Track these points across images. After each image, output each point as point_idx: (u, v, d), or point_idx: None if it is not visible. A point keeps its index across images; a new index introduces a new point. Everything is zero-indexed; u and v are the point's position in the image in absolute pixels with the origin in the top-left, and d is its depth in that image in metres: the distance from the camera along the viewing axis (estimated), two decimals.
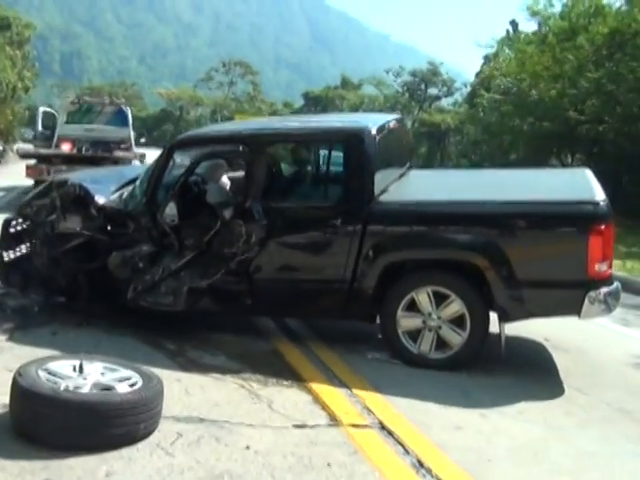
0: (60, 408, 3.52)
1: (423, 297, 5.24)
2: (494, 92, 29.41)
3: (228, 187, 6.44)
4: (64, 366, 3.99)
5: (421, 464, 3.71)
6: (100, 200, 6.07)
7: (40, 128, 17.50)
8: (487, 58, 50.73)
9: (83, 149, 15.82)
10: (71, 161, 14.65)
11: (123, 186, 6.47)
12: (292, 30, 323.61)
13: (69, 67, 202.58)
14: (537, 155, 26.83)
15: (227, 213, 5.71)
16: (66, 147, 15.99)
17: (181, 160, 6.09)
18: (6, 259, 6.56)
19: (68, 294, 6.23)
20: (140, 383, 3.86)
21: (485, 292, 5.17)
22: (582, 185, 5.48)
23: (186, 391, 4.55)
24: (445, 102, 66.85)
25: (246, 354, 5.43)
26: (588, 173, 5.95)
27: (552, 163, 29.99)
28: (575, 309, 5.04)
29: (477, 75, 53.18)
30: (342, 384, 4.87)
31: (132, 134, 17.60)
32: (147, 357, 5.10)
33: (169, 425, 3.94)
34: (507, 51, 40.22)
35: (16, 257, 6.58)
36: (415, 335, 5.33)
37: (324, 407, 4.43)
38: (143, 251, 5.77)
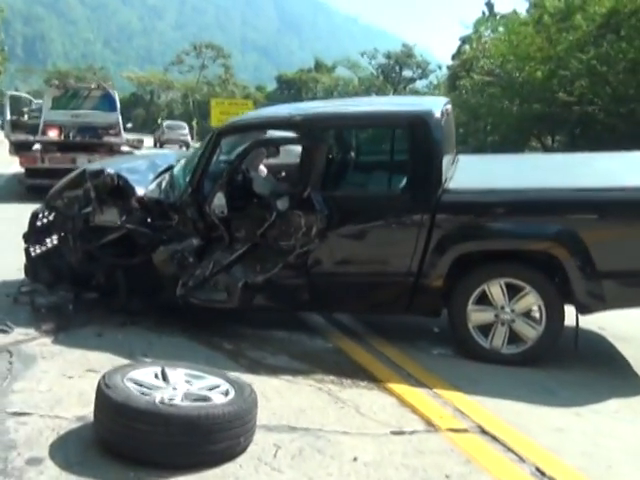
0: (161, 424, 3.20)
1: (496, 290, 5.00)
2: (478, 74, 29.25)
3: (265, 175, 6.11)
4: (146, 374, 3.67)
5: (542, 473, 3.47)
6: (140, 191, 5.70)
7: (9, 115, 16.78)
8: (464, 40, 50.79)
9: (70, 135, 15.26)
10: (65, 148, 14.12)
11: (159, 176, 6.10)
12: (259, 12, 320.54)
13: (32, 51, 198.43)
14: (519, 137, 26.85)
15: (281, 203, 5.38)
16: (53, 134, 15.41)
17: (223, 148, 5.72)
18: (33, 254, 6.18)
19: (105, 291, 5.86)
20: (233, 392, 3.55)
21: (561, 283, 4.93)
22: None
23: (263, 396, 4.22)
24: (420, 84, 66.81)
25: (309, 353, 5.14)
26: None
27: (532, 145, 30.10)
28: None
29: (454, 57, 53.16)
30: (420, 383, 4.62)
31: (120, 119, 17.06)
32: (208, 359, 4.79)
33: (262, 436, 3.64)
34: (486, 32, 40.21)
35: (44, 252, 6.20)
36: (486, 329, 5.08)
37: (414, 410, 4.17)
38: (191, 245, 5.42)
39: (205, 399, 3.45)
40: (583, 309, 4.92)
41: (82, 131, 15.60)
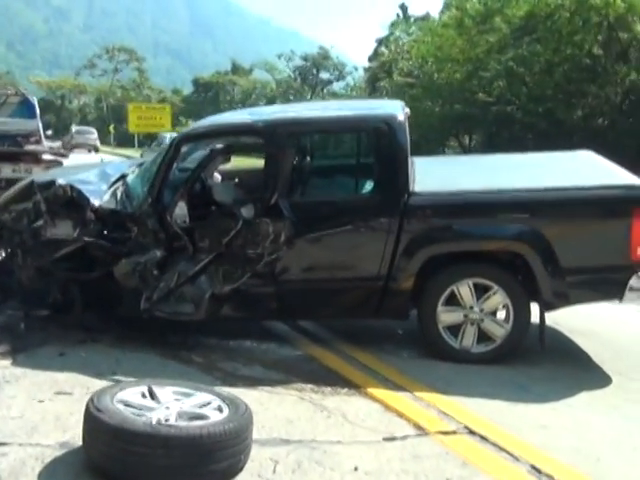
0: (160, 446, 3.08)
1: (464, 290, 5.07)
2: (398, 75, 29.78)
3: (222, 182, 6.01)
4: (134, 394, 3.52)
5: (539, 471, 3.52)
6: (95, 202, 5.49)
7: None
8: (380, 41, 51.63)
9: None
10: None
11: (112, 185, 5.89)
12: (170, 15, 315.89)
13: None
14: (438, 136, 27.44)
15: (246, 211, 5.30)
16: None
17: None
18: None
19: (58, 307, 5.62)
20: (226, 408, 3.45)
21: (526, 282, 5.04)
22: (606, 169, 5.46)
23: None
24: (337, 86, 67.44)
25: (281, 362, 5.07)
26: (593, 156, 5.97)
27: (450, 144, 30.83)
28: (617, 294, 5.03)
29: (371, 59, 53.94)
30: (398, 387, 4.62)
31: (40, 126, 16.43)
32: (180, 374, 4.65)
33: (257, 451, 3.54)
34: (399, 34, 40.93)
35: None
36: (455, 330, 5.15)
37: (400, 415, 4.16)
38: (155, 256, 5.26)
39: (201, 417, 3.34)
40: (547, 306, 5.05)
41: (0, 139, 14.93)
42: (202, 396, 3.58)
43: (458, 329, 5.15)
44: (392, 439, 3.84)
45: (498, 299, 5.06)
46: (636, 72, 16.89)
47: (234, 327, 5.79)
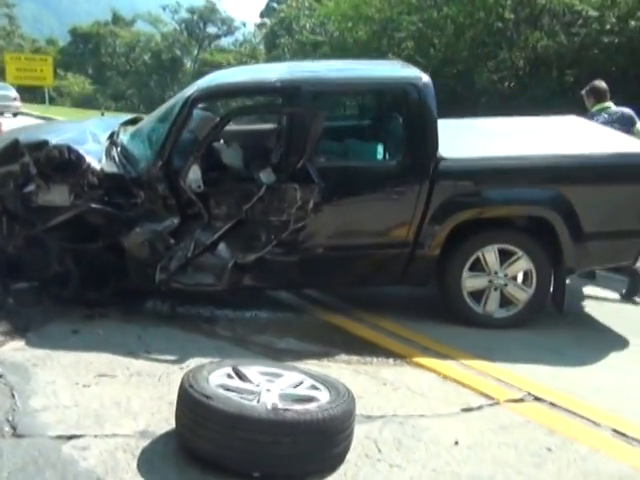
0: (286, 434, 2.88)
1: (490, 256, 5.07)
2: (302, 33, 29.39)
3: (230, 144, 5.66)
4: (222, 376, 3.28)
5: (624, 434, 3.59)
6: (95, 165, 5.03)
7: None
8: None
9: None
10: None
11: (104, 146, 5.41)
12: None
13: None
14: None
15: (265, 176, 5.02)
16: None
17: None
18: None
19: (54, 281, 5.15)
20: (322, 387, 3.28)
21: (550, 247, 5.10)
22: (613, 135, 5.59)
23: None
24: (225, 41, 65.87)
25: (311, 333, 4.89)
26: (586, 121, 6.11)
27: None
28: (631, 258, 5.19)
29: (263, 15, 52.95)
30: (442, 355, 4.59)
31: None
32: (216, 349, 4.43)
33: None
34: None
35: None
36: (477, 295, 5.16)
37: (462, 385, 4.14)
38: (172, 225, 4.90)
39: (309, 399, 3.15)
40: (570, 270, 5.14)
41: None
42: (292, 375, 3.38)
43: (480, 294, 5.15)
44: (469, 410, 3.81)
45: (522, 264, 5.10)
46: (547, 38, 17.47)
47: (235, 297, 5.50)
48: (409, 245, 5.04)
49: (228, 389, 3.13)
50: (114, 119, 6.84)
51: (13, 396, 3.61)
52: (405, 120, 5.03)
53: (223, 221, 4.95)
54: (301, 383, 3.32)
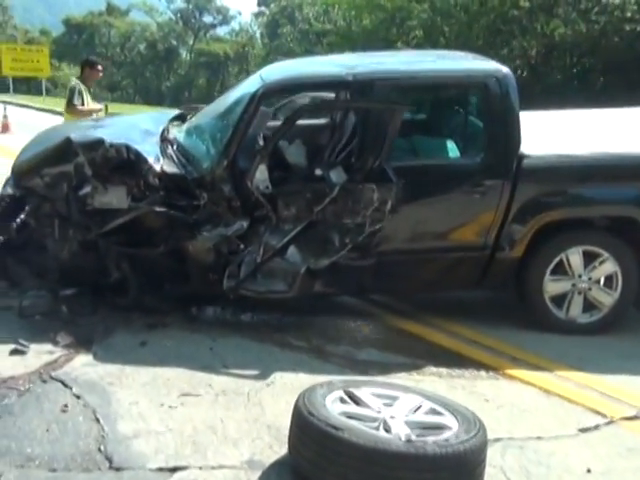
0: (428, 469, 2.60)
1: (574, 258, 4.79)
2: (308, 22, 29.02)
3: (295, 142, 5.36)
4: (336, 400, 2.99)
5: None
6: (155, 165, 4.72)
7: None
8: None
9: None
10: None
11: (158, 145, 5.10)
12: None
13: None
14: None
15: (336, 175, 4.73)
16: None
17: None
18: None
19: (111, 288, 4.85)
20: (445, 410, 3.01)
21: (636, 248, 4.83)
22: None
23: None
24: (221, 31, 65.25)
25: (390, 342, 4.62)
26: None
27: None
28: None
29: (260, 3, 52.40)
30: (535, 367, 4.32)
31: None
32: (297, 362, 4.17)
33: None
34: None
35: (7, 242, 5.02)
36: (558, 300, 4.88)
37: (569, 400, 3.87)
38: (241, 228, 4.60)
39: (438, 427, 2.87)
40: None
41: None
42: (407, 398, 3.11)
43: (562, 299, 4.88)
44: (587, 430, 3.55)
45: (608, 267, 4.81)
46: (566, 26, 17.16)
47: (298, 302, 5.21)
48: (489, 247, 4.76)
49: (350, 416, 2.85)
50: (161, 114, 6.51)
51: (98, 420, 3.33)
52: (486, 115, 4.73)
53: (292, 224, 4.66)
54: (420, 407, 3.05)
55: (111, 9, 69.13)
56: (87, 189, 4.72)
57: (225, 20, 64.76)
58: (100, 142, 4.74)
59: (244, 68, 48.12)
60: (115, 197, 4.73)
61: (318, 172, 4.78)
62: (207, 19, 65.12)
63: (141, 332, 4.50)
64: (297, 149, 5.12)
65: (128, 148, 4.71)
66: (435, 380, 4.04)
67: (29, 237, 5.00)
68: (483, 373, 4.20)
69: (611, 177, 4.77)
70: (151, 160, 4.72)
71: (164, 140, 5.16)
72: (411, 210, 4.66)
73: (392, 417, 2.88)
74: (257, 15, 51.24)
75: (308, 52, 27.69)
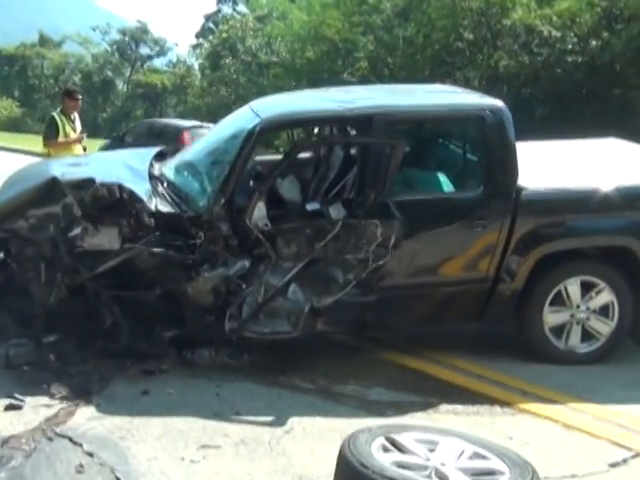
0: None
1: (573, 288, 4.82)
2: (244, 53, 29.19)
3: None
4: (379, 448, 2.88)
5: None
6: (150, 204, 4.56)
7: None
8: (208, 18, 50.25)
9: None
10: None
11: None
12: None
13: None
14: None
15: (335, 211, 4.66)
16: None
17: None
18: None
19: (101, 333, 4.63)
20: (489, 454, 2.93)
21: (633, 277, 4.89)
22: None
23: None
24: (158, 62, 64.88)
25: (394, 379, 4.52)
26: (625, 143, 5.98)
27: None
28: None
29: (198, 35, 52.30)
30: (547, 400, 4.29)
31: None
32: (310, 406, 4.05)
33: None
34: (235, 13, 39.91)
35: None
36: (557, 330, 4.89)
37: (589, 434, 3.85)
38: (243, 268, 4.46)
39: (491, 473, 2.79)
40: None
41: None
42: (448, 441, 3.00)
43: (561, 329, 4.89)
44: (616, 465, 3.52)
45: (605, 296, 4.85)
46: (509, 58, 17.64)
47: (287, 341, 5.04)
48: (489, 280, 4.75)
49: (401, 466, 2.74)
50: (142, 151, 6.31)
51: None
52: (484, 148, 4.74)
53: (293, 261, 4.55)
54: (463, 451, 2.95)
55: (44, 40, 67.94)
56: (77, 230, 4.51)
57: (162, 51, 64.43)
58: (90, 181, 4.56)
59: (182, 99, 47.94)
60: (107, 238, 4.54)
61: (315, 208, 4.71)
62: (144, 50, 64.65)
63: (139, 380, 4.29)
64: (291, 184, 5.02)
65: (121, 187, 4.53)
66: (453, 418, 3.97)
67: (10, 282, 4.75)
68: (498, 409, 4.15)
69: (605, 208, 4.82)
70: (145, 199, 4.55)
71: (152, 178, 4.99)
72: (411, 244, 4.60)
73: (442, 464, 2.78)
74: (195, 47, 51.07)
75: (253, 83, 27.72)
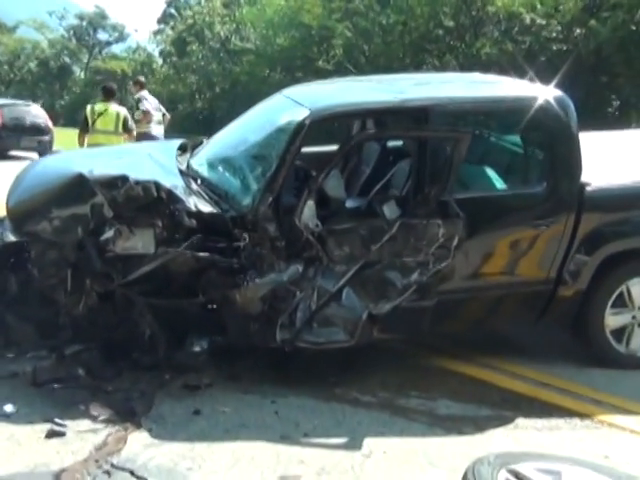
0: None
1: (635, 289, 4.57)
2: (212, 39, 28.58)
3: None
4: None
5: None
6: (190, 204, 4.15)
7: None
8: (170, 4, 49.14)
9: None
10: None
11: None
12: None
13: None
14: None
15: (389, 210, 4.32)
16: None
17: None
18: None
19: (136, 345, 4.22)
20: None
21: None
22: None
23: None
24: (117, 48, 63.45)
25: (458, 391, 4.21)
26: None
27: None
28: None
29: (160, 21, 51.15)
30: (623, 410, 4.03)
31: None
32: (374, 421, 3.72)
33: None
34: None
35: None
36: (617, 333, 4.64)
37: None
38: (296, 273, 4.09)
39: None
40: None
41: None
42: (573, 470, 2.71)
43: (621, 332, 4.64)
44: None
45: None
46: (492, 45, 17.41)
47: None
48: (551, 281, 4.46)
49: None
50: (163, 143, 5.86)
51: None
52: (546, 142, 4.43)
53: (346, 264, 4.19)
54: None
55: None
56: (108, 233, 4.08)
57: (121, 37, 63.02)
58: (123, 179, 4.12)
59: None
60: (141, 241, 4.12)
61: (367, 207, 4.36)
62: (102, 36, 63.16)
63: (185, 397, 3.91)
64: (335, 181, 4.65)
65: (158, 186, 4.11)
66: (537, 435, 3.68)
67: (25, 289, 4.32)
68: (578, 422, 3.87)
69: None
70: (184, 198, 4.14)
71: (183, 174, 4.58)
72: (471, 246, 4.29)
73: None
74: (156, 33, 49.92)
75: (225, 70, 27.14)
